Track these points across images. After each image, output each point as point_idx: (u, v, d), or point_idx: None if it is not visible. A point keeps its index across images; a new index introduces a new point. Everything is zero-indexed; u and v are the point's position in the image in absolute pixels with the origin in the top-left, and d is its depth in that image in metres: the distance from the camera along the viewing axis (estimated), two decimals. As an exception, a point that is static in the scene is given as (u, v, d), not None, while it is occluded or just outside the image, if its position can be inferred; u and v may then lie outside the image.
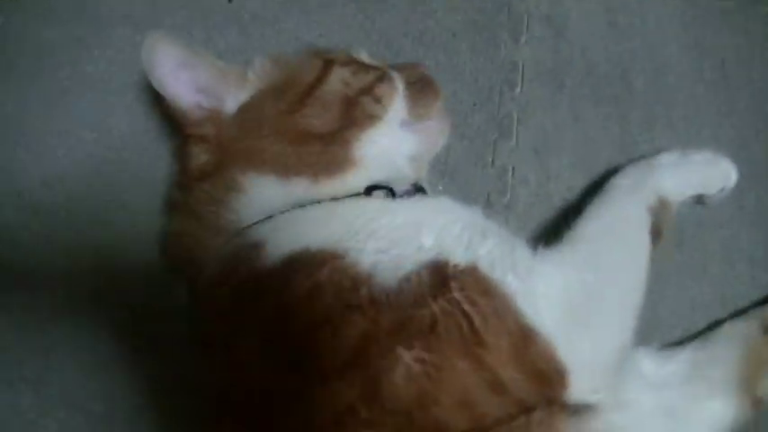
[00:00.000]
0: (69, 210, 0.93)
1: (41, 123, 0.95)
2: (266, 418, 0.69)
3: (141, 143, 0.96)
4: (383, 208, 0.78)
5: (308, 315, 0.69)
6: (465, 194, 1.04)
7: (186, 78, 0.82)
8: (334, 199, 0.77)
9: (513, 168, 1.06)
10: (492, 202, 1.03)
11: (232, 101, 0.83)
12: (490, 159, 1.06)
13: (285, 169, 0.79)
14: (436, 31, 1.14)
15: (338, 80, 0.85)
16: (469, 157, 1.06)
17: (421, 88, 0.90)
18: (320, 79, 0.84)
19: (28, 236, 0.92)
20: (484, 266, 0.72)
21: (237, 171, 0.79)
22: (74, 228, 0.92)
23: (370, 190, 0.80)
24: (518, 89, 1.11)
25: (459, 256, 0.72)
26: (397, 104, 0.87)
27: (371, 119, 0.83)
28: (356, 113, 0.83)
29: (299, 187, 0.79)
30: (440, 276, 0.70)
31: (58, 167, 0.94)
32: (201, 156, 0.82)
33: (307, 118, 0.81)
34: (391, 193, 0.82)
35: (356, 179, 0.81)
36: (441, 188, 1.04)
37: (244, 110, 0.83)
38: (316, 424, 0.66)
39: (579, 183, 1.05)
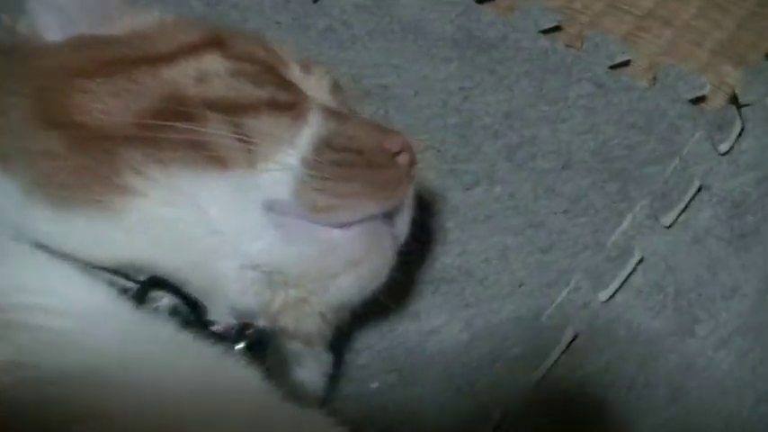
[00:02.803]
0: None
1: None
2: None
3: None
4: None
5: None
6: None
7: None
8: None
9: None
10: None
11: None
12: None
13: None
14: (555, 188, 0.70)
15: (193, 71, 0.50)
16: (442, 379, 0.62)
17: (354, 165, 0.50)
18: (171, 58, 0.50)
19: None
20: None
21: None
22: None
23: (151, 284, 0.45)
24: (604, 293, 0.63)
25: None
26: (280, 165, 0.48)
27: (205, 160, 0.47)
28: (176, 133, 0.46)
29: (12, 196, 0.46)
30: None
31: None
32: None
33: (82, 94, 0.47)
34: (191, 310, 0.46)
35: (99, 242, 0.46)
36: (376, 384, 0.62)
37: (39, 51, 0.51)
38: None
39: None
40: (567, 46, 0.81)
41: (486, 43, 0.81)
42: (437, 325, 0.64)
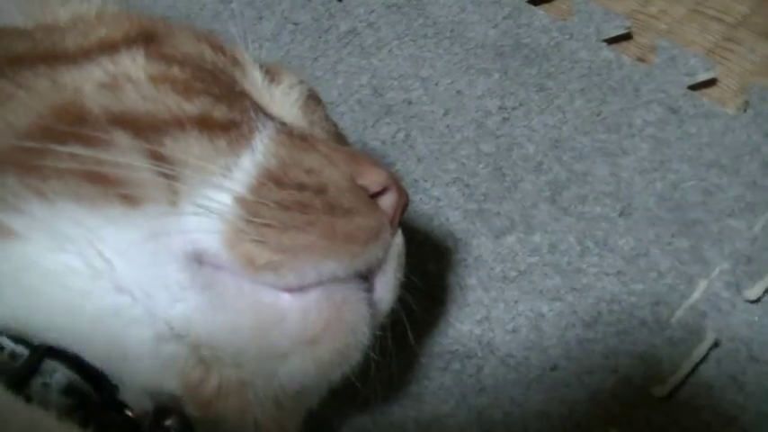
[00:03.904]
0: None
1: None
2: None
3: None
4: None
5: None
6: None
7: None
8: None
9: None
10: None
11: None
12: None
13: None
14: (608, 242, 0.56)
15: (103, 74, 0.39)
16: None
17: (309, 209, 0.37)
18: (77, 58, 0.39)
19: None
20: None
21: None
22: None
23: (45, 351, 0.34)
24: (662, 388, 0.49)
25: None
26: (206, 206, 0.36)
27: (106, 196, 0.36)
28: (68, 160, 0.35)
29: None
30: None
31: None
32: None
33: None
34: (96, 389, 0.34)
35: None
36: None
37: None
38: None
39: None
40: (637, 59, 0.66)
41: (535, 53, 0.67)
42: (442, 413, 0.51)
